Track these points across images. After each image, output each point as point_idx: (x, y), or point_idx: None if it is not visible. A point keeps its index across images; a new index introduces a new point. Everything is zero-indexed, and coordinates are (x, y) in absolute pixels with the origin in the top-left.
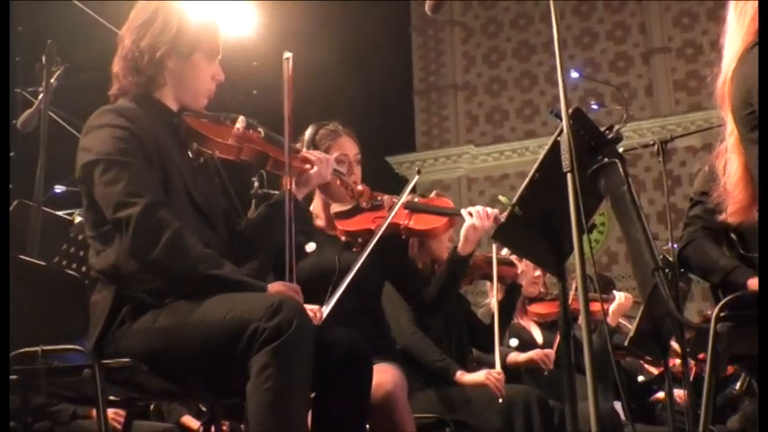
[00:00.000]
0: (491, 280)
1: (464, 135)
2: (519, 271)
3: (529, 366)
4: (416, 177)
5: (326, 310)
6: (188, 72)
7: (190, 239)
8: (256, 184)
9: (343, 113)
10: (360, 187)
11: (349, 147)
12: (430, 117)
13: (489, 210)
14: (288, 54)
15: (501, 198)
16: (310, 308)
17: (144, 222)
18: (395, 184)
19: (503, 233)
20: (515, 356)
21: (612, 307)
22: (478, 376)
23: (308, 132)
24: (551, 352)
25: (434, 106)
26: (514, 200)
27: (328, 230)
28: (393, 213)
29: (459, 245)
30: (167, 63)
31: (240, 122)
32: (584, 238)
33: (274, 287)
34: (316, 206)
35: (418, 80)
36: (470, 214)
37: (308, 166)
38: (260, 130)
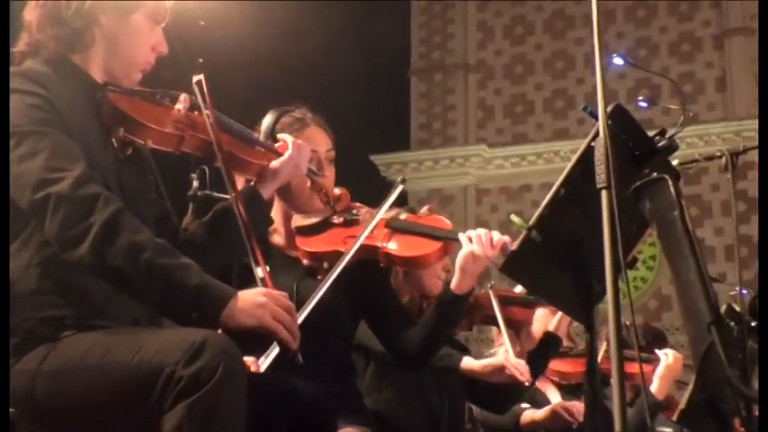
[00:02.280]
0: (497, 325)
1: (474, 131)
2: (536, 315)
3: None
4: (400, 187)
5: (270, 356)
6: (124, 34)
7: (137, 222)
8: (196, 183)
9: (314, 96)
10: (337, 191)
11: (320, 140)
12: (430, 105)
13: (496, 235)
14: (197, 77)
15: (513, 218)
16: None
17: (75, 200)
18: (381, 192)
19: (514, 264)
20: (531, 414)
21: (659, 371)
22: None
23: (267, 120)
24: (578, 404)
25: (437, 91)
26: (531, 221)
27: (287, 250)
28: (366, 232)
29: (454, 280)
30: (99, 18)
31: (183, 102)
32: (623, 275)
33: (248, 296)
34: (274, 217)
35: (417, 56)
36: (470, 239)
37: (273, 163)
38: (208, 113)
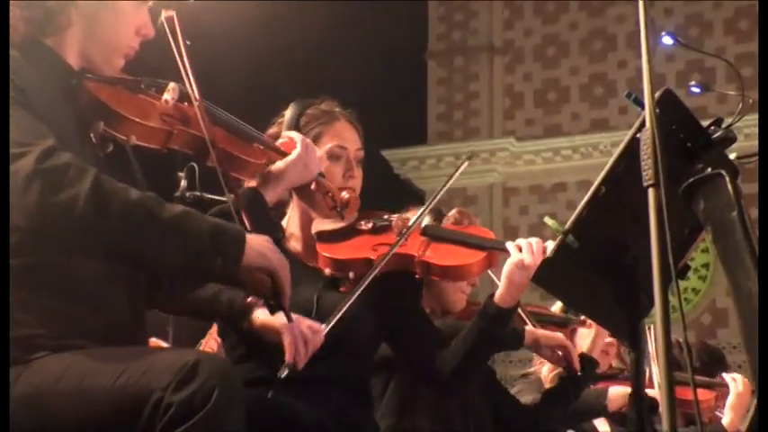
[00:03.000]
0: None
1: (501, 122)
2: (579, 334)
3: None
4: (465, 164)
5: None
6: (105, 14)
7: (118, 183)
8: (184, 182)
9: (315, 83)
10: (345, 194)
11: (349, 137)
12: (451, 93)
13: (550, 244)
14: (168, 13)
15: (548, 221)
16: (309, 324)
17: (44, 174)
18: (393, 192)
19: (548, 273)
20: None
21: (730, 400)
22: None
23: (290, 112)
24: None
25: (458, 77)
26: (568, 224)
27: (306, 259)
28: (404, 237)
29: (499, 290)
30: None
31: (171, 92)
32: (674, 286)
33: (260, 237)
34: (291, 221)
35: (435, 37)
36: (519, 248)
37: (279, 163)
38: (200, 103)
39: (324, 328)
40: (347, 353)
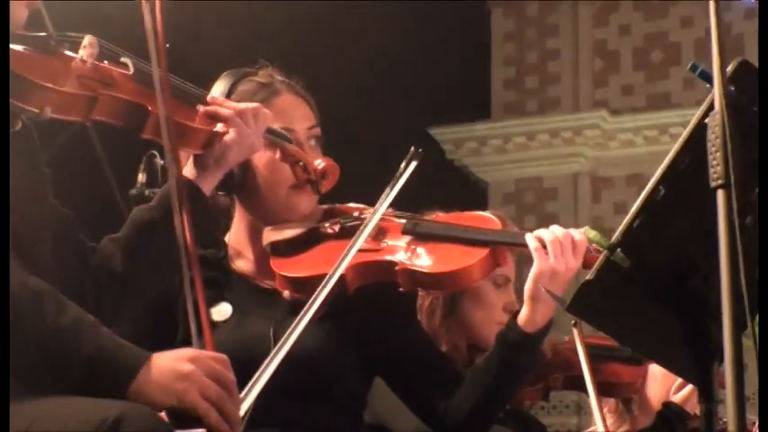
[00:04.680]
0: (587, 390)
1: (589, 91)
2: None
3: None
4: (413, 163)
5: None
6: None
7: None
8: (142, 176)
9: (339, 44)
10: (319, 162)
11: (296, 114)
12: (521, 52)
13: (577, 235)
14: None
15: (588, 232)
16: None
17: None
18: (444, 185)
19: (589, 299)
20: None
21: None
22: None
23: (220, 85)
24: None
25: (532, 31)
26: (615, 236)
27: (258, 279)
28: (360, 238)
29: (524, 310)
30: None
31: (88, 48)
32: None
33: (168, 362)
34: (236, 234)
35: None
36: (542, 244)
37: (220, 127)
38: (126, 61)
39: (264, 367)
40: (323, 400)
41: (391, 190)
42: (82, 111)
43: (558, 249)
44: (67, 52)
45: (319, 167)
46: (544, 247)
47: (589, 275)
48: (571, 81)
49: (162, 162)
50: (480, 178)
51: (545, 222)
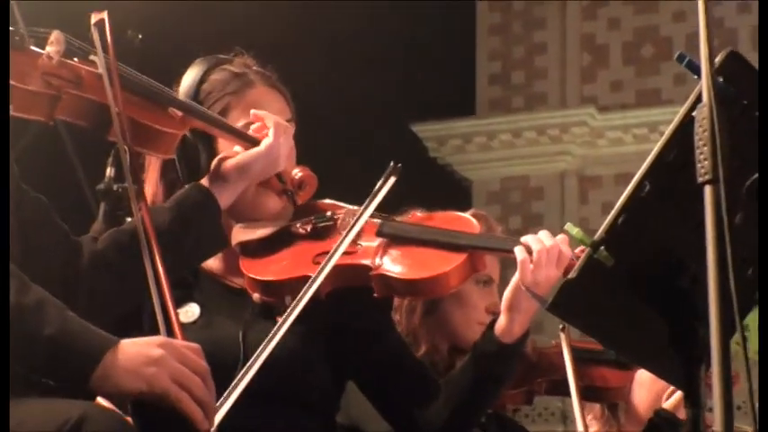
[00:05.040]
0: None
1: (577, 87)
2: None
3: None
4: (392, 179)
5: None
6: None
7: None
8: (110, 171)
9: (325, 38)
10: (297, 171)
11: (271, 108)
12: (508, 46)
13: (564, 245)
14: (98, 16)
15: (570, 229)
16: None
17: None
18: (427, 183)
19: (570, 300)
20: None
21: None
22: None
23: (188, 78)
24: None
25: (518, 24)
26: (599, 233)
27: (227, 278)
28: (346, 241)
29: (502, 319)
30: None
31: (55, 44)
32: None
33: (136, 347)
34: None
35: None
36: (528, 250)
37: (245, 154)
38: (95, 60)
39: (245, 371)
40: (295, 403)
41: (368, 205)
42: (44, 110)
43: (544, 260)
44: (34, 48)
45: (296, 177)
46: (530, 254)
47: (571, 273)
48: (558, 76)
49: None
50: (464, 177)
51: (531, 222)
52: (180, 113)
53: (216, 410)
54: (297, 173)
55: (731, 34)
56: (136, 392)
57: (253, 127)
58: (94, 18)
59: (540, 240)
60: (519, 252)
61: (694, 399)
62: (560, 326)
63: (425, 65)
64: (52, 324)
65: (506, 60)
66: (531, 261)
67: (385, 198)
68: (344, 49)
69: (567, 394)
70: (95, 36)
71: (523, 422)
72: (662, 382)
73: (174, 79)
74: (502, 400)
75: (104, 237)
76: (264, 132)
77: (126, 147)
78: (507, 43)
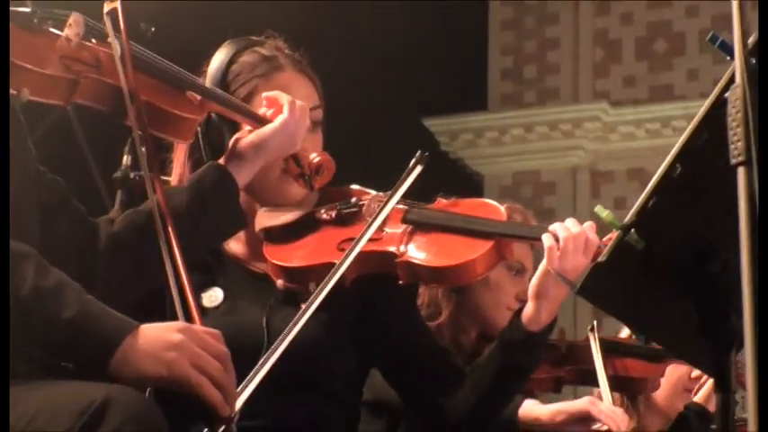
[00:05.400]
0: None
1: (589, 82)
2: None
3: None
4: (419, 167)
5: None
6: None
7: None
8: (127, 159)
9: (336, 31)
10: (314, 156)
11: (298, 93)
12: (520, 41)
13: (591, 232)
14: (112, 4)
15: (600, 211)
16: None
17: None
18: (439, 178)
19: (600, 284)
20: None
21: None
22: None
23: (217, 59)
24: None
25: (531, 19)
26: (629, 216)
27: (251, 264)
28: (371, 229)
29: (529, 306)
30: None
31: (74, 27)
32: None
33: (156, 332)
34: None
35: None
36: (556, 237)
37: (259, 131)
38: (113, 42)
39: (267, 358)
40: (317, 391)
41: (394, 193)
42: (63, 94)
43: (570, 247)
44: (52, 29)
45: (314, 162)
46: (557, 241)
47: (601, 257)
48: (571, 71)
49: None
50: (476, 171)
51: (542, 217)
52: (199, 97)
53: (237, 396)
54: (315, 157)
55: (680, 38)
56: (156, 377)
57: (268, 112)
58: (107, 7)
59: (566, 228)
60: (546, 239)
61: (724, 384)
62: (589, 327)
63: (438, 59)
64: (71, 307)
65: (519, 55)
66: (558, 248)
67: (410, 187)
68: (357, 44)
69: (596, 384)
70: (108, 25)
71: None
72: (678, 375)
73: (196, 68)
74: (529, 386)
75: (120, 219)
76: (279, 110)
77: (141, 131)
78: (520, 38)
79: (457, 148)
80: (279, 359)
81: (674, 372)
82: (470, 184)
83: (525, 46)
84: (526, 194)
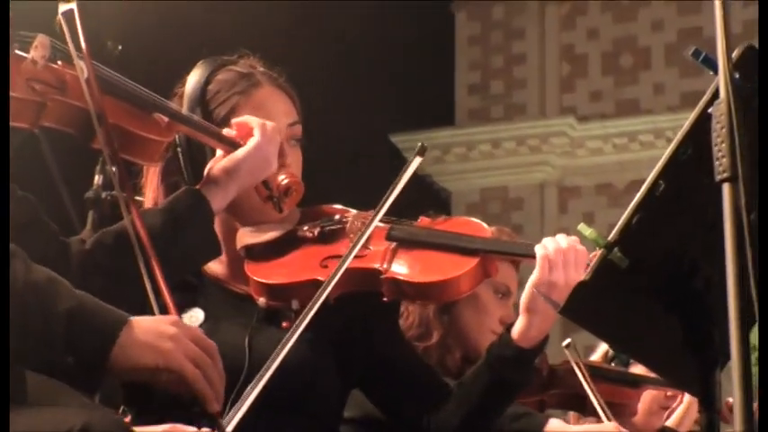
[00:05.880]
0: (579, 408)
1: (556, 96)
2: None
3: None
4: (417, 160)
5: None
6: None
7: None
8: (98, 178)
9: (304, 47)
10: (283, 178)
11: (277, 109)
12: (487, 56)
13: (579, 246)
14: (67, 6)
15: (583, 229)
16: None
17: None
18: (406, 194)
19: (583, 303)
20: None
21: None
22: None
23: (193, 78)
24: None
25: (497, 34)
26: (613, 233)
27: (231, 284)
28: (358, 244)
29: (520, 323)
30: None
31: (39, 49)
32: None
33: (149, 323)
34: None
35: None
36: (546, 254)
37: (233, 155)
38: (81, 64)
39: (258, 378)
40: (301, 411)
41: (394, 188)
42: (30, 117)
43: (560, 260)
44: (18, 52)
45: (282, 183)
46: (547, 254)
47: (585, 276)
48: (538, 86)
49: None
50: (443, 187)
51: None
52: (166, 119)
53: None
54: (283, 179)
55: (645, 52)
56: (152, 367)
57: (233, 133)
58: (62, 7)
59: (555, 241)
60: (539, 249)
61: (709, 403)
62: (564, 344)
63: (404, 75)
64: (67, 299)
65: (485, 70)
66: (548, 256)
67: (369, 207)
68: (323, 59)
69: (578, 410)
70: (64, 27)
71: None
72: (653, 395)
73: (163, 88)
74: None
75: (92, 239)
76: (249, 134)
77: (110, 152)
78: (486, 53)
79: (424, 164)
80: (275, 378)
81: (650, 392)
82: (437, 201)
83: (492, 61)
84: (494, 210)
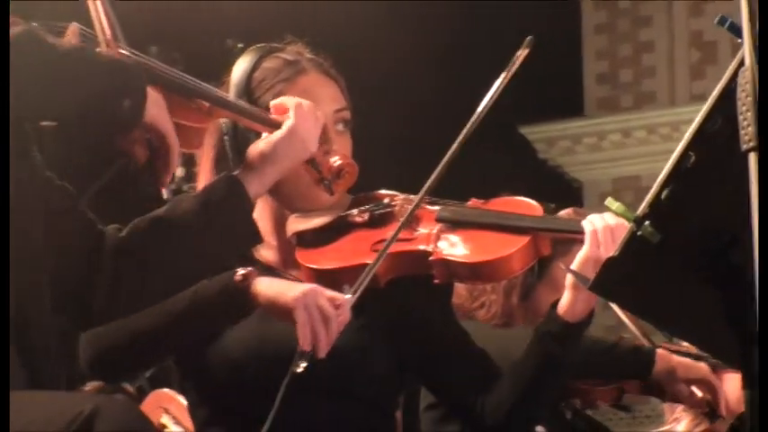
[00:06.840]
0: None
1: (686, 84)
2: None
3: None
4: (525, 52)
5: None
6: None
7: None
8: (181, 170)
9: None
10: (335, 160)
11: (323, 94)
12: (614, 45)
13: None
14: None
15: (610, 204)
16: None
17: None
18: (537, 185)
19: (613, 278)
20: None
21: None
22: None
23: (239, 66)
24: None
25: (625, 22)
26: (641, 207)
27: (283, 270)
28: (404, 226)
29: (565, 298)
30: None
31: (71, 38)
32: None
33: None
34: (259, 221)
35: None
36: (595, 230)
37: (266, 140)
38: (122, 50)
39: (349, 300)
40: (350, 394)
41: (504, 80)
42: None
43: (609, 237)
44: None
45: (334, 165)
46: (595, 230)
47: (615, 251)
48: (667, 74)
49: None
50: (575, 178)
51: None
52: (207, 105)
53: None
54: (335, 160)
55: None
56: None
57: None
58: None
59: (603, 219)
60: (587, 224)
61: (750, 377)
62: None
63: (532, 66)
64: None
65: (613, 59)
66: (596, 233)
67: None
68: (449, 48)
69: (659, 395)
70: (93, 13)
71: (630, 424)
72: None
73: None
74: (592, 397)
75: (128, 227)
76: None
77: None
78: (614, 42)
79: (555, 155)
80: (314, 364)
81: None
82: (569, 192)
83: (620, 49)
84: (627, 200)
